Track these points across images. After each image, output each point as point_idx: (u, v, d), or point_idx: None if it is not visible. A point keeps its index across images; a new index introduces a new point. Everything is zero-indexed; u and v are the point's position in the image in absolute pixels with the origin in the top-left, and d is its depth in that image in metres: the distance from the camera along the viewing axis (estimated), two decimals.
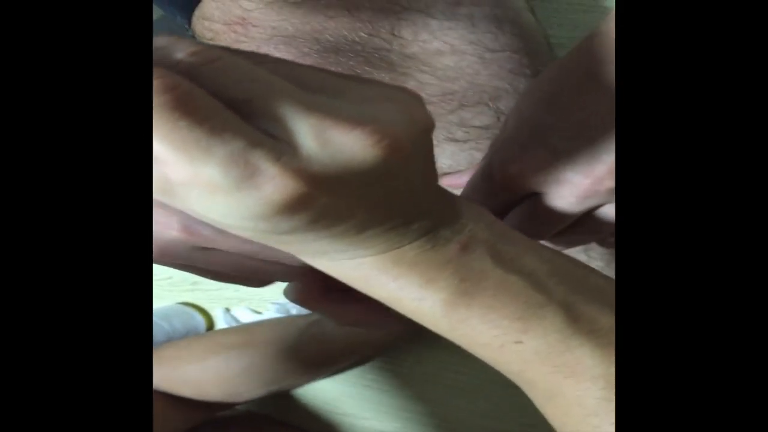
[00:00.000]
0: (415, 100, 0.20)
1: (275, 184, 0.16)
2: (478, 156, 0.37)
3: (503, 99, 0.37)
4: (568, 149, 0.28)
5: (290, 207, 0.17)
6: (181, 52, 0.17)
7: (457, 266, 0.22)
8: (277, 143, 0.17)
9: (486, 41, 0.37)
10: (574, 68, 0.28)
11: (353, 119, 0.17)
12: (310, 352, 0.55)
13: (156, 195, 0.18)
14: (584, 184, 0.28)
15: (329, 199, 0.18)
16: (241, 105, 0.17)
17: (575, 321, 0.22)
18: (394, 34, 0.37)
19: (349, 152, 0.17)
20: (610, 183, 0.28)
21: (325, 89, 0.18)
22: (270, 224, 0.18)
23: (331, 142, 0.17)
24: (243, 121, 0.17)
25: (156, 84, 0.16)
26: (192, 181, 0.16)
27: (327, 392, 0.60)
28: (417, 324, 0.32)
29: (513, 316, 0.22)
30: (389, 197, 0.20)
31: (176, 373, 0.58)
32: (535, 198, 0.29)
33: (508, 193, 0.30)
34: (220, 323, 0.63)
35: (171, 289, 0.64)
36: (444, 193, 0.23)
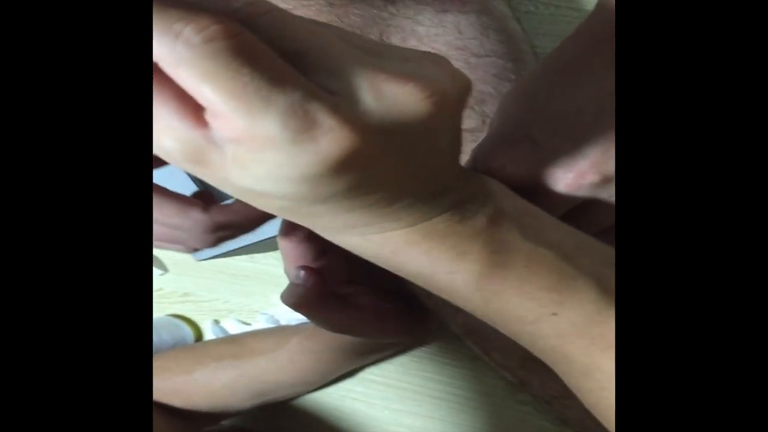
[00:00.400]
0: (448, 61, 0.20)
1: (332, 137, 0.16)
2: (464, 158, 0.38)
3: (488, 103, 0.38)
4: (551, 144, 0.28)
5: (343, 163, 0.16)
6: (239, 0, 0.16)
7: (487, 238, 0.21)
8: (333, 96, 0.16)
9: (472, 47, 0.38)
10: (556, 66, 0.29)
11: (405, 74, 0.17)
12: (302, 363, 0.54)
13: (182, 164, 0.17)
14: (567, 178, 0.28)
15: (379, 158, 0.17)
16: (296, 57, 0.16)
17: (607, 292, 0.21)
18: (383, 40, 0.38)
19: (403, 106, 0.17)
20: (594, 177, 0.28)
21: (368, 48, 0.18)
22: (312, 187, 0.17)
23: (386, 95, 0.17)
24: (300, 74, 0.16)
25: (216, 29, 0.15)
26: (246, 135, 0.15)
27: (315, 406, 0.59)
28: (413, 335, 0.31)
29: (547, 287, 0.21)
30: (425, 162, 0.19)
31: (164, 384, 0.58)
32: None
33: None
34: (209, 335, 0.62)
35: (161, 300, 0.64)
36: (466, 168, 0.23)
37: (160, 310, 0.63)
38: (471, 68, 0.38)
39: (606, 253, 0.23)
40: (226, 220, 0.27)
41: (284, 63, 0.16)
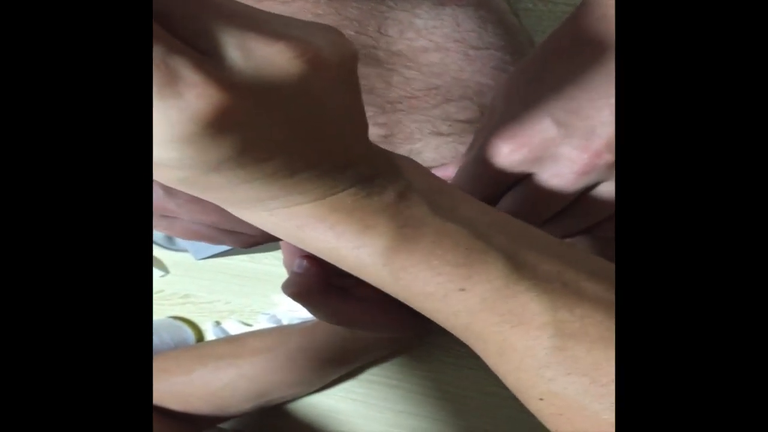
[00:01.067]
0: (337, 31, 0.20)
1: (197, 92, 0.16)
2: (462, 149, 0.38)
3: (487, 95, 0.38)
4: (565, 123, 0.28)
5: (215, 121, 0.16)
6: None
7: (394, 213, 0.21)
8: (198, 54, 0.16)
9: (470, 39, 0.38)
10: (557, 49, 0.29)
11: (276, 32, 0.17)
12: (301, 362, 0.54)
13: None
14: (582, 159, 0.27)
15: (256, 119, 0.17)
16: (162, 18, 0.17)
17: (518, 267, 0.21)
18: (381, 33, 0.38)
19: (272, 64, 0.17)
20: (609, 157, 0.27)
21: (245, 13, 0.18)
22: (196, 151, 0.17)
23: (255, 54, 0.17)
24: (165, 31, 0.16)
25: None
26: None
27: (315, 407, 0.59)
28: (415, 329, 0.31)
29: (455, 262, 0.21)
30: (318, 130, 0.19)
31: (163, 385, 0.58)
32: (530, 178, 0.29)
33: (503, 175, 0.29)
34: (210, 336, 0.62)
35: (161, 302, 0.64)
36: (377, 146, 0.23)
37: (161, 312, 0.63)
38: (469, 60, 0.38)
39: (522, 231, 0.23)
40: None
41: None
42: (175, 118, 0.16)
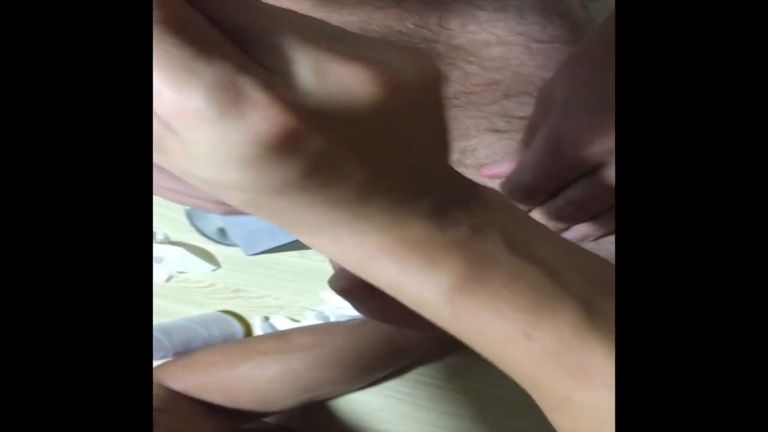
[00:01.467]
0: (423, 53, 0.19)
1: (262, 114, 0.15)
2: (514, 146, 0.37)
3: None
4: None
5: (279, 145, 0.16)
6: None
7: (466, 249, 0.20)
8: (269, 73, 0.16)
9: (533, 32, 0.37)
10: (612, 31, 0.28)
11: (354, 55, 0.17)
12: (347, 359, 0.54)
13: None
14: None
15: (323, 143, 0.16)
16: (238, 33, 0.16)
17: (592, 316, 0.19)
18: (441, 26, 0.37)
19: (347, 88, 0.16)
20: None
21: (327, 32, 0.18)
22: (258, 172, 0.16)
23: (329, 75, 0.16)
24: (237, 48, 0.16)
25: None
26: (177, 109, 0.15)
27: (360, 405, 0.58)
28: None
29: (524, 307, 0.20)
30: (392, 157, 0.18)
31: (209, 379, 0.58)
32: (603, 167, 0.28)
33: (574, 167, 0.28)
34: (258, 332, 0.62)
35: (212, 296, 0.64)
36: (457, 172, 0.21)
37: (211, 306, 0.64)
38: (532, 54, 0.37)
39: (601, 273, 0.21)
40: None
41: (219, 35, 0.16)
42: (236, 139, 0.15)
